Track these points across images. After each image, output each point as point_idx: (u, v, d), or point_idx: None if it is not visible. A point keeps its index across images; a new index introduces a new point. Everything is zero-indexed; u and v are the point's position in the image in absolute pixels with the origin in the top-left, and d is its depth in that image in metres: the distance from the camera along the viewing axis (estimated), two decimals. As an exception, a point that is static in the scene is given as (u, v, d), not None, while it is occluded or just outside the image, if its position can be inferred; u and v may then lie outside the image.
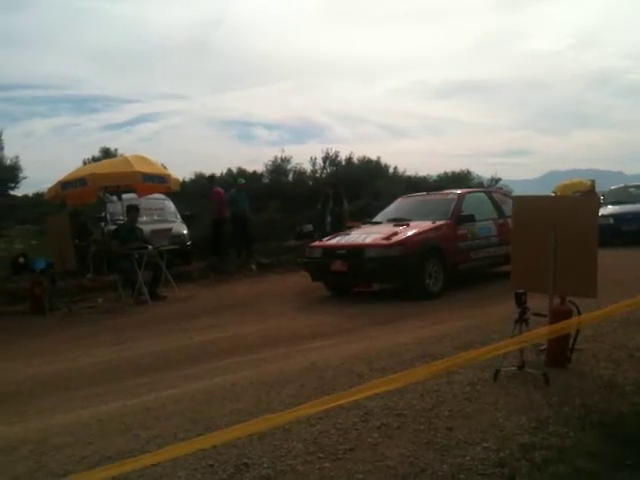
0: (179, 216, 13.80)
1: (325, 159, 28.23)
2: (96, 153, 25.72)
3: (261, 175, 27.35)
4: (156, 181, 10.35)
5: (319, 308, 8.21)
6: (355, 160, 28.97)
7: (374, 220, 9.86)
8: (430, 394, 3.69)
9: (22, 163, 24.99)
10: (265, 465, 2.87)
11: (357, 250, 8.42)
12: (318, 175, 27.57)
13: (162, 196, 13.31)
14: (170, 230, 11.10)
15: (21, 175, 25.01)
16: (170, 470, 2.85)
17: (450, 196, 9.72)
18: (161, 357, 5.93)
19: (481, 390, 3.76)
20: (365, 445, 3.02)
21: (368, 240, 8.53)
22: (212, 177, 15.22)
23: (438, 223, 8.74)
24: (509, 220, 9.48)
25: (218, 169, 28.39)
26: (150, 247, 9.68)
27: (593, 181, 18.18)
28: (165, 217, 13.33)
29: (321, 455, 2.93)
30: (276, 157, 27.55)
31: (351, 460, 2.87)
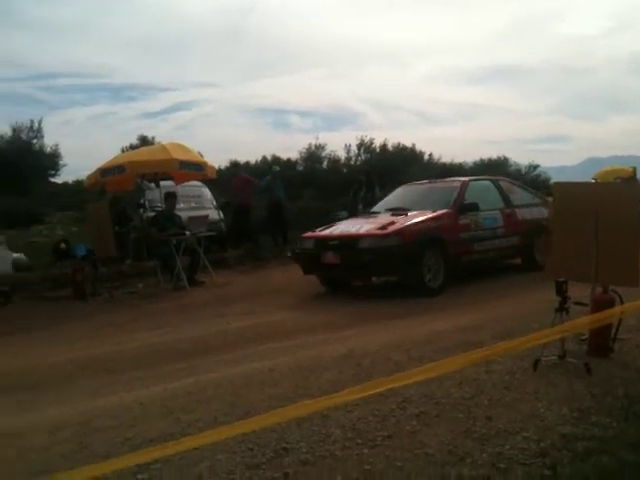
0: (215, 203, 13.95)
1: (359, 146, 28.15)
2: (134, 141, 26.09)
3: (295, 163, 27.41)
4: (192, 169, 10.47)
5: (354, 296, 8.19)
6: (390, 147, 28.84)
7: (372, 210, 9.47)
8: (469, 383, 3.67)
9: (62, 151, 25.30)
10: (304, 450, 2.89)
11: (350, 241, 7.89)
12: (352, 162, 27.52)
13: (199, 183, 13.46)
14: (207, 217, 11.22)
15: (61, 163, 25.35)
16: (210, 453, 2.89)
17: (453, 184, 9.19)
18: (200, 342, 6.01)
19: (521, 379, 3.73)
20: (403, 432, 3.03)
21: (362, 230, 7.99)
22: (238, 165, 15.50)
23: (439, 212, 8.21)
24: (517, 210, 9.19)
25: (253, 156, 28.56)
26: (188, 233, 9.81)
27: (634, 168, 17.72)
28: (202, 204, 13.49)
29: (359, 441, 2.95)
30: (310, 144, 27.59)
31: (389, 447, 2.88)
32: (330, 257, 7.97)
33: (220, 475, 2.68)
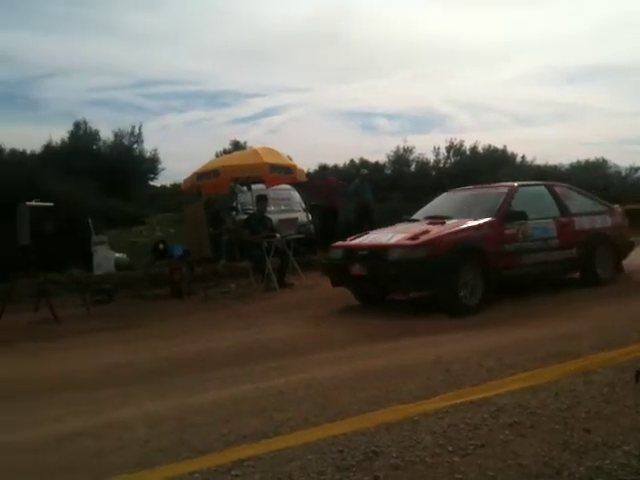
0: (304, 206, 14.19)
1: (449, 149, 27.73)
2: (227, 146, 26.84)
3: (383, 166, 27.38)
4: (282, 172, 10.73)
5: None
6: (480, 149, 28.23)
7: (412, 217, 8.80)
8: (565, 394, 3.55)
9: (160, 155, 26.18)
10: (394, 455, 2.89)
11: (378, 251, 7.35)
12: (441, 165, 27.18)
13: (288, 186, 13.75)
14: (296, 220, 11.46)
15: (159, 167, 26.24)
16: (301, 453, 2.93)
17: (500, 190, 8.43)
18: (290, 342, 6.10)
19: (620, 392, 3.56)
20: (496, 442, 2.96)
21: (392, 240, 7.43)
22: (326, 168, 16.08)
23: (480, 221, 7.56)
24: (575, 219, 8.35)
25: (341, 160, 28.75)
26: (278, 236, 10.03)
27: None
28: (291, 207, 13.77)
29: (450, 449, 2.91)
30: (398, 147, 27.47)
31: (482, 456, 2.83)
32: (357, 269, 7.46)
33: (311, 475, 2.72)
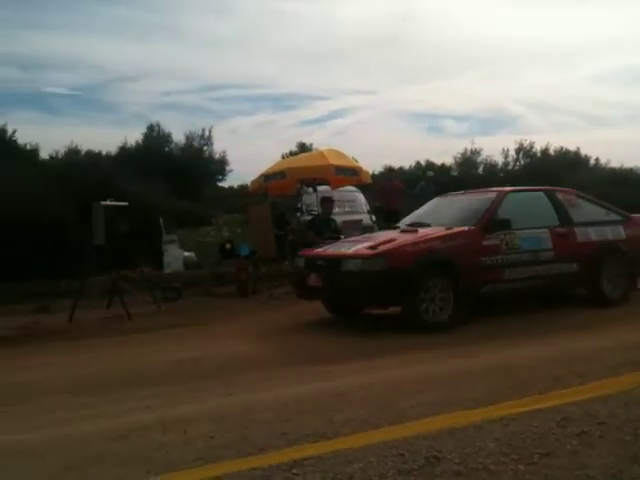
0: (368, 208, 14.16)
1: (518, 151, 27.15)
2: (293, 148, 27.19)
3: (450, 168, 27.09)
4: (348, 174, 10.76)
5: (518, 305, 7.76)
6: (551, 151, 27.50)
7: (397, 224, 8.22)
8: (636, 404, 3.41)
9: (228, 157, 26.75)
10: (456, 460, 2.84)
11: (334, 261, 6.83)
12: (510, 168, 26.64)
13: (353, 188, 13.76)
14: (361, 221, 11.46)
15: (228, 168, 26.83)
16: (361, 454, 2.92)
17: (488, 195, 7.67)
18: (353, 345, 6.12)
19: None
20: (563, 452, 2.88)
21: (351, 250, 6.86)
22: (392, 170, 16.13)
23: (455, 230, 6.87)
24: (577, 229, 7.50)
25: (407, 162, 28.63)
26: (342, 237, 10.04)
27: None
28: (356, 209, 13.75)
29: (515, 457, 2.84)
30: (465, 149, 27.11)
31: (547, 465, 2.75)
32: (313, 279, 7.03)
33: (372, 478, 2.70)
